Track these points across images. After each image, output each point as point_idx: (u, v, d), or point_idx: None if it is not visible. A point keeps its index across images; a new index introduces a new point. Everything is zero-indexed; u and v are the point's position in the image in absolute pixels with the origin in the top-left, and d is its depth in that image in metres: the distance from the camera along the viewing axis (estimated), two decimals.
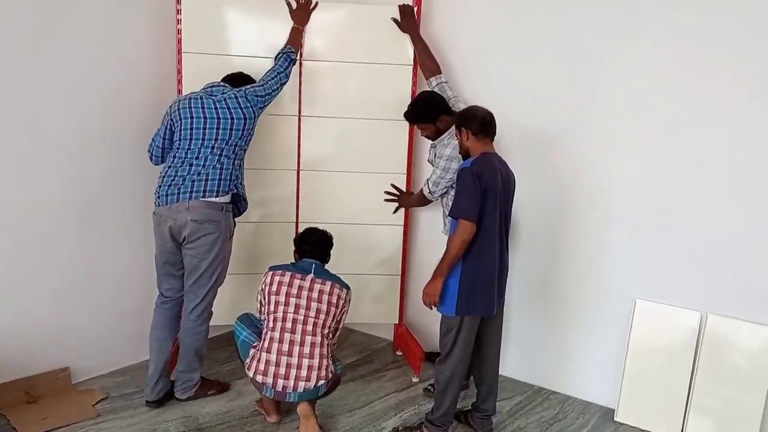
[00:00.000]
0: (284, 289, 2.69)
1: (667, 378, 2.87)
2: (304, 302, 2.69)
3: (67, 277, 2.96)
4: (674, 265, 2.86)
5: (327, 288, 2.73)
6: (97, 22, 2.88)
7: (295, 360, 2.62)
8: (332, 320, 2.75)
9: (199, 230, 2.71)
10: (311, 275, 2.74)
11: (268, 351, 2.64)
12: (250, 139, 2.90)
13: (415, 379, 3.30)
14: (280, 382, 2.60)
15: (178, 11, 3.00)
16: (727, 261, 2.74)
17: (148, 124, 3.03)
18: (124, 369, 3.22)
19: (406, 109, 2.99)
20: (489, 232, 2.52)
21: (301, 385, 2.61)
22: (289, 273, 2.74)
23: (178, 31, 3.02)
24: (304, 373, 2.62)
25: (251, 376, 2.66)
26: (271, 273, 2.75)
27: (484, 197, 2.46)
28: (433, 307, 2.60)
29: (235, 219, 2.93)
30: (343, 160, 3.35)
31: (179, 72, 3.07)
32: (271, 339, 2.65)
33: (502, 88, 3.15)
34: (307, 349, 2.64)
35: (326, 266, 2.86)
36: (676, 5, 2.71)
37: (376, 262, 3.39)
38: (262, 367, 2.63)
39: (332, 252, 2.94)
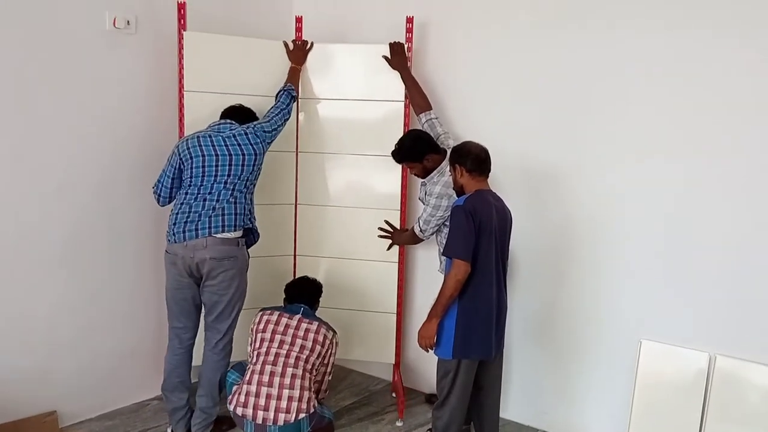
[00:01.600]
0: (271, 326, 2.76)
1: (676, 421, 2.72)
2: (288, 339, 2.72)
3: (55, 317, 2.88)
4: (681, 303, 2.74)
5: (314, 327, 2.78)
6: (98, 59, 2.90)
7: (275, 391, 2.59)
8: (318, 359, 2.76)
9: (218, 267, 2.71)
10: (299, 315, 2.80)
11: (249, 383, 2.64)
12: (259, 174, 2.92)
13: (399, 424, 3.17)
14: (260, 414, 2.57)
15: (180, 50, 3.02)
16: (735, 300, 2.62)
17: (147, 162, 3.04)
18: (114, 412, 3.12)
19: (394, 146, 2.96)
20: (485, 271, 2.45)
21: (281, 417, 2.56)
22: (278, 312, 2.82)
23: (180, 71, 3.04)
24: (284, 404, 2.58)
25: (231, 409, 2.64)
26: (260, 313, 2.85)
27: (479, 235, 2.40)
28: (429, 350, 2.50)
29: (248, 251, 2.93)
30: (339, 195, 3.35)
31: (181, 110, 3.07)
32: (252, 372, 2.67)
33: (495, 122, 3.12)
34: (287, 380, 2.62)
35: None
36: (678, 27, 2.65)
37: (371, 299, 3.32)
38: (242, 398, 2.61)
39: (327, 287, 2.98)
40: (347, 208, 3.33)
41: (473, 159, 2.50)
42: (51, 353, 2.87)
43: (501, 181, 2.93)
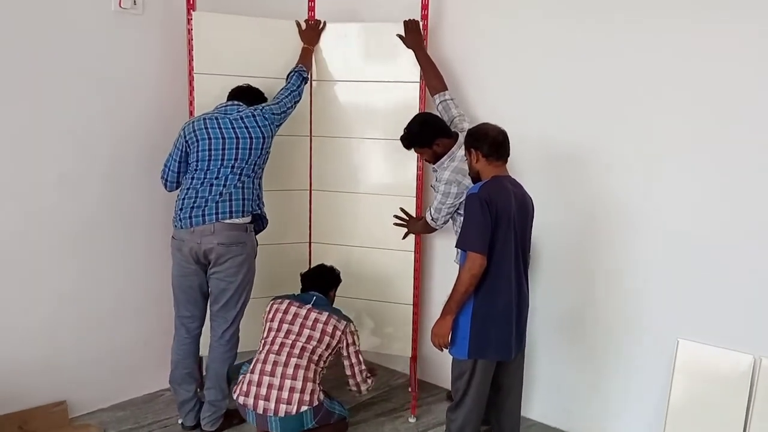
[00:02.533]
0: (279, 315, 2.65)
1: (716, 426, 2.47)
2: (296, 328, 2.61)
3: (64, 305, 2.82)
4: (722, 300, 2.48)
5: (323, 318, 2.65)
6: (104, 41, 2.81)
7: (277, 380, 2.48)
8: (327, 351, 2.63)
9: (226, 253, 2.61)
10: (309, 305, 2.68)
11: (252, 372, 2.54)
12: (267, 158, 2.80)
13: (411, 420, 3.02)
14: (261, 404, 2.47)
15: (189, 32, 2.90)
16: None
17: (156, 145, 2.94)
18: (125, 403, 3.05)
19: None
20: (503, 265, 2.26)
21: (282, 408, 2.45)
22: (287, 301, 2.70)
23: (189, 52, 2.93)
24: (285, 394, 2.46)
25: (235, 398, 2.56)
26: (271, 302, 2.74)
27: (496, 225, 2.21)
28: (443, 349, 2.33)
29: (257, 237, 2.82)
30: (354, 180, 3.20)
31: (191, 93, 2.96)
32: (256, 361, 2.57)
33: (516, 105, 2.89)
34: (290, 371, 2.50)
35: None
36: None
37: (388, 290, 3.15)
38: (244, 388, 2.52)
39: (344, 276, 2.89)
40: (362, 194, 3.17)
41: (490, 143, 2.31)
42: (61, 343, 2.82)
43: (522, 168, 2.73)
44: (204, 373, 2.80)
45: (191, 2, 2.90)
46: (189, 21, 2.90)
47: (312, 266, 3.00)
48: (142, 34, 2.91)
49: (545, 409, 3.00)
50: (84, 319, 2.89)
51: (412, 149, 2.76)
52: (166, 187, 2.79)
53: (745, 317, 2.43)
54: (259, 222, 2.82)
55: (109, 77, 2.84)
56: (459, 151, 2.67)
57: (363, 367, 2.74)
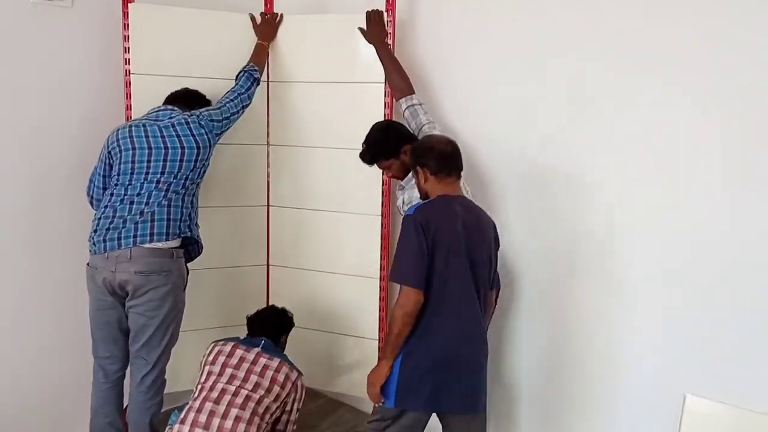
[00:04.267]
0: (221, 358, 2.24)
1: None
2: (241, 374, 2.19)
3: None
4: (735, 351, 2.04)
5: (274, 364, 2.25)
6: (22, 39, 2.42)
7: None
8: (274, 403, 2.21)
9: (145, 283, 2.21)
10: (258, 349, 2.28)
11: (182, 422, 2.11)
12: (204, 171, 2.42)
13: None
14: None
15: (125, 26, 2.53)
16: None
17: (86, 158, 2.51)
18: None
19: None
20: (446, 300, 1.87)
21: None
22: (232, 343, 2.30)
23: (125, 50, 2.54)
24: None
25: None
26: (212, 344, 2.34)
27: (433, 253, 1.84)
28: (378, 403, 1.95)
29: (188, 265, 2.42)
30: (315, 195, 2.80)
31: (128, 97, 2.58)
32: (189, 408, 2.15)
33: (496, 111, 2.48)
34: (229, 423, 2.08)
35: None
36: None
37: (352, 322, 2.76)
38: None
39: (303, 304, 2.57)
40: (323, 211, 2.78)
41: (437, 157, 1.97)
42: None
43: (502, 187, 2.34)
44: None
45: None
46: (125, 14, 2.52)
47: (260, 309, 2.58)
48: (69, 30, 2.51)
49: None
50: (9, 360, 2.48)
51: (376, 164, 2.32)
52: (92, 206, 2.40)
53: (762, 370, 1.99)
54: (192, 247, 2.43)
55: (29, 82, 2.45)
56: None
57: (295, 426, 2.36)
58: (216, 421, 2.09)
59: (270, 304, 2.72)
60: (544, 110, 2.36)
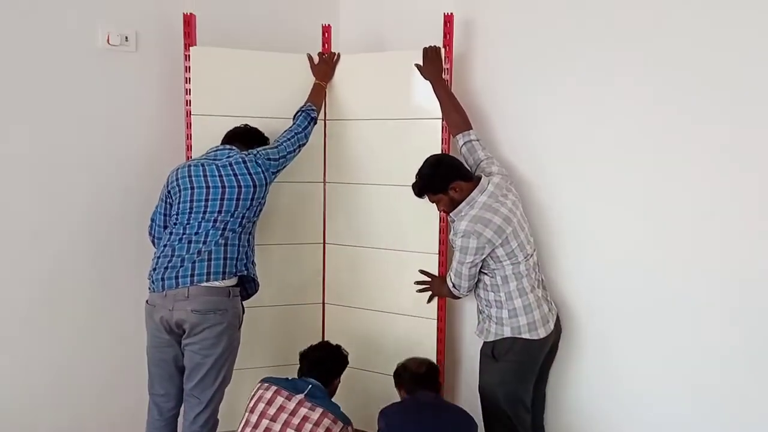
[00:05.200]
0: (260, 406, 2.15)
1: None
2: (277, 427, 2.07)
3: (39, 374, 2.47)
4: None
5: (314, 416, 2.11)
6: (90, 82, 2.51)
7: None
8: None
9: (202, 322, 2.18)
10: (301, 396, 2.15)
11: None
12: (260, 210, 2.40)
13: None
14: None
15: (187, 69, 2.57)
16: None
17: (150, 196, 2.53)
18: None
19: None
20: None
21: None
22: (275, 388, 2.18)
23: (187, 92, 2.59)
24: None
25: None
26: (259, 384, 2.25)
27: None
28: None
29: (244, 303, 2.39)
30: (371, 234, 2.74)
31: (188, 137, 2.61)
32: None
33: (557, 146, 2.39)
34: None
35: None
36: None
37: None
38: None
39: (358, 343, 2.52)
40: (379, 249, 2.72)
41: (410, 378, 2.25)
42: (28, 420, 2.46)
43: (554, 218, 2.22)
44: None
45: (190, 36, 2.57)
46: (186, 57, 2.56)
47: (314, 344, 2.49)
48: (133, 73, 2.59)
49: None
50: (58, 392, 2.52)
51: (425, 197, 2.28)
52: (154, 245, 2.42)
53: None
54: (249, 285, 2.40)
55: (95, 121, 2.53)
56: (480, 196, 2.19)
57: None
58: None
59: (325, 340, 2.64)
60: (610, 147, 2.26)
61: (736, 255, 2.00)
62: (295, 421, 2.09)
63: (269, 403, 2.15)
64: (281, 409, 2.13)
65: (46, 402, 2.49)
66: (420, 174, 2.27)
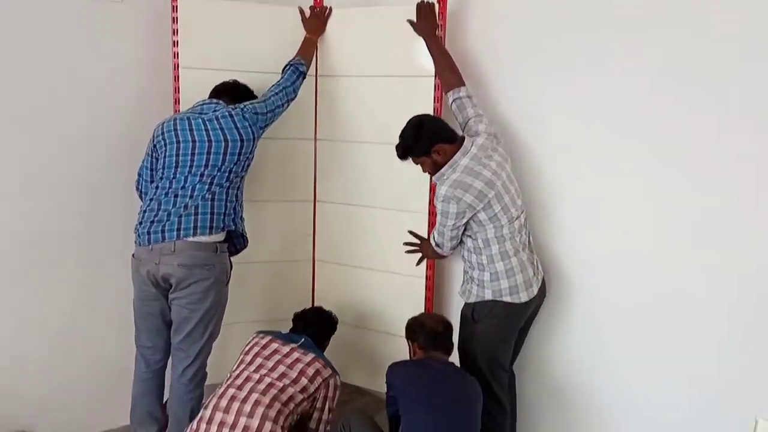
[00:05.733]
0: (255, 349, 2.24)
1: None
2: (270, 364, 2.17)
3: (27, 325, 2.48)
4: None
5: (306, 358, 2.21)
6: (77, 34, 2.45)
7: (230, 418, 2.03)
8: (301, 395, 2.16)
9: (188, 276, 2.19)
10: (295, 345, 2.24)
11: (205, 407, 2.10)
12: (248, 165, 2.37)
13: None
14: None
15: (174, 20, 2.50)
16: None
17: (137, 150, 2.49)
18: None
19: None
20: None
21: None
22: (270, 337, 2.27)
23: (174, 44, 2.52)
24: None
25: None
26: (254, 335, 2.33)
27: (402, 403, 2.06)
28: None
29: (234, 259, 2.40)
30: (361, 191, 2.73)
31: (177, 91, 2.56)
32: (213, 395, 2.13)
33: (551, 104, 2.34)
34: (247, 407, 2.04)
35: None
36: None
37: (394, 320, 2.66)
38: (194, 425, 2.07)
39: (347, 301, 2.58)
40: (369, 207, 2.70)
41: (427, 334, 2.19)
42: (22, 369, 2.49)
43: (547, 178, 2.18)
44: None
45: None
46: (174, 8, 2.49)
47: (308, 307, 2.56)
48: (120, 25, 2.51)
49: None
50: (49, 343, 2.54)
51: (409, 159, 2.26)
52: (141, 199, 2.40)
53: None
54: (237, 240, 2.39)
55: (82, 73, 2.47)
56: (463, 159, 2.16)
57: (328, 428, 2.30)
58: (236, 405, 2.06)
59: (318, 304, 2.67)
60: (600, 104, 2.22)
61: (734, 244, 1.98)
62: (287, 360, 2.19)
63: (264, 347, 2.24)
64: (275, 351, 2.22)
65: (34, 355, 2.52)
66: (402, 136, 2.23)
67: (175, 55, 2.53)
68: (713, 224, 2.01)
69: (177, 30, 2.51)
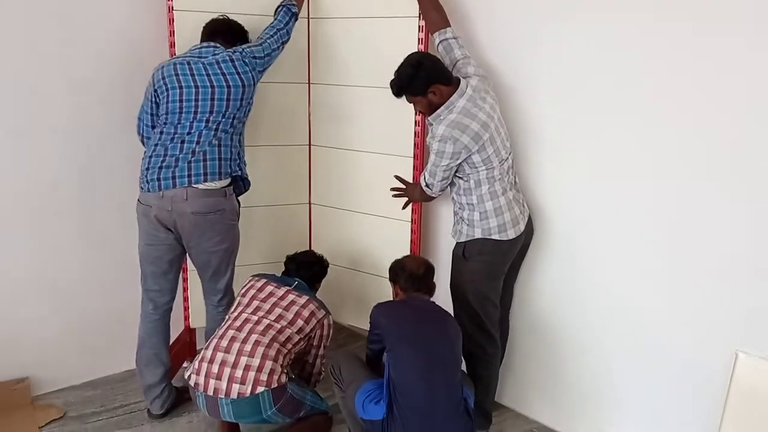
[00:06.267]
0: (251, 292, 2.32)
1: None
2: (267, 306, 2.25)
3: (27, 274, 2.53)
4: None
5: (301, 301, 2.29)
6: None
7: (231, 357, 2.12)
8: (298, 335, 2.24)
9: (203, 223, 2.26)
10: (289, 287, 2.33)
11: (206, 347, 2.19)
12: (249, 110, 2.39)
13: None
14: (212, 383, 2.11)
15: None
16: None
17: (131, 93, 2.53)
18: (99, 381, 2.75)
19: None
20: (407, 385, 2.00)
21: (235, 388, 2.08)
22: (265, 280, 2.35)
23: None
24: (239, 373, 2.09)
25: (186, 377, 2.20)
26: (250, 278, 2.41)
27: (389, 341, 2.09)
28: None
29: (239, 199, 2.47)
30: (352, 135, 2.72)
31: (171, 34, 2.57)
32: (214, 336, 2.22)
33: (535, 48, 2.25)
34: (248, 347, 2.13)
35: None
36: None
37: (381, 262, 2.67)
38: (196, 365, 2.17)
39: (339, 242, 2.62)
40: (359, 152, 2.70)
41: (407, 276, 2.22)
42: (24, 316, 2.55)
43: (535, 126, 2.13)
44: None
45: None
46: None
47: (299, 251, 2.59)
48: None
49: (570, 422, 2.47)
50: (50, 291, 2.60)
51: (403, 97, 2.22)
52: (143, 144, 2.43)
53: None
54: (240, 184, 2.43)
55: (76, 18, 2.47)
56: (460, 101, 2.12)
57: (324, 361, 2.39)
58: (236, 345, 2.14)
59: (311, 248, 2.73)
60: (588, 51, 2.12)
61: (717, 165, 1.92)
62: (283, 303, 2.28)
63: (260, 290, 2.33)
64: (271, 294, 2.31)
65: (34, 302, 2.58)
66: (399, 73, 2.17)
67: None
68: (691, 153, 1.96)
69: None
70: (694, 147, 1.94)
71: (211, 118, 2.26)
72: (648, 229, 2.09)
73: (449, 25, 2.28)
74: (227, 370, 2.09)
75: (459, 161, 2.14)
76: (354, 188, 2.76)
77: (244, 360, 2.10)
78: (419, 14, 2.36)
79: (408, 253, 2.56)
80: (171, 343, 2.55)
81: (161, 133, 2.29)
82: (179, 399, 2.54)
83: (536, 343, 2.48)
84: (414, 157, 2.51)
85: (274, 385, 2.10)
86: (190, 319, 2.79)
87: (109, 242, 2.70)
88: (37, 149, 2.48)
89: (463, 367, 2.26)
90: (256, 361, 2.10)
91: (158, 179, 2.23)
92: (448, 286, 2.36)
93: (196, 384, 2.14)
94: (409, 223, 2.58)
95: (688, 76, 1.91)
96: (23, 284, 2.55)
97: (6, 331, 2.52)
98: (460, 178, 2.22)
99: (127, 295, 2.65)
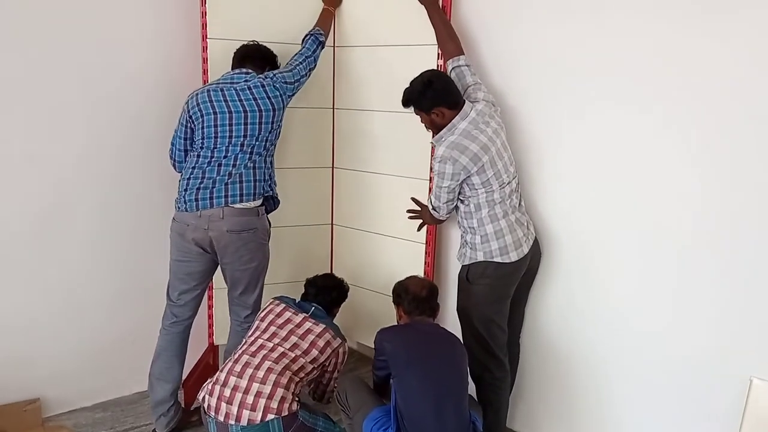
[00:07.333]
0: (270, 317, 2.34)
1: None
2: (283, 333, 2.27)
3: (42, 293, 2.56)
4: None
5: (317, 329, 2.31)
6: (101, 8, 2.55)
7: (243, 383, 2.13)
8: (312, 365, 2.26)
9: (237, 241, 2.35)
10: (307, 314, 2.35)
11: (221, 370, 2.22)
12: (279, 133, 2.49)
13: None
14: (223, 407, 2.12)
15: None
16: None
17: (164, 119, 2.65)
18: (110, 402, 2.77)
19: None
20: (417, 402, 2.03)
21: (245, 414, 2.08)
22: (285, 305, 2.38)
23: (203, 15, 2.65)
24: (250, 399, 2.10)
25: (199, 398, 2.22)
26: (270, 301, 2.43)
27: (395, 367, 2.09)
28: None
29: (269, 218, 2.56)
30: (373, 159, 2.81)
31: (204, 61, 2.70)
32: (229, 359, 2.25)
33: (542, 75, 2.31)
34: (260, 373, 2.14)
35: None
36: None
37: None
38: (209, 386, 2.19)
39: (359, 264, 2.62)
40: (380, 174, 2.78)
41: (411, 300, 2.22)
42: (39, 333, 2.58)
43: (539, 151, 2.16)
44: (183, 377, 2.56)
45: None
46: None
47: (320, 273, 2.62)
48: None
49: None
50: (62, 313, 2.63)
51: (409, 108, 2.28)
52: (175, 168, 2.52)
53: None
54: (270, 202, 2.52)
55: (110, 42, 2.57)
56: (461, 123, 2.18)
57: (336, 383, 2.41)
58: (249, 371, 2.15)
59: (332, 269, 2.78)
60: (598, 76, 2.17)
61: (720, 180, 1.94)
62: (299, 331, 2.29)
63: (278, 315, 2.34)
64: (288, 321, 2.32)
65: (45, 322, 2.59)
66: (411, 86, 2.26)
67: (204, 26, 2.65)
68: (703, 172, 1.98)
69: (205, 1, 2.62)
70: (705, 164, 1.96)
71: (246, 142, 2.35)
72: (659, 250, 2.10)
73: (463, 53, 2.36)
74: (239, 396, 2.11)
75: (460, 182, 2.18)
76: (373, 209, 2.83)
77: (255, 386, 2.12)
78: (437, 43, 2.45)
79: (422, 275, 2.60)
80: (195, 363, 2.61)
81: (198, 156, 2.38)
82: (185, 421, 2.58)
83: (548, 366, 2.48)
84: (429, 180, 2.57)
85: (285, 413, 2.11)
86: (214, 336, 2.85)
87: (121, 266, 2.75)
88: (56, 172, 2.53)
89: (472, 391, 2.27)
90: (267, 389, 2.11)
91: (196, 200, 2.32)
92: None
93: (209, 407, 2.16)
94: (424, 245, 2.63)
95: (698, 100, 1.95)
96: (35, 306, 2.58)
97: (18, 352, 2.55)
98: (461, 201, 2.26)
99: (138, 318, 2.73)
